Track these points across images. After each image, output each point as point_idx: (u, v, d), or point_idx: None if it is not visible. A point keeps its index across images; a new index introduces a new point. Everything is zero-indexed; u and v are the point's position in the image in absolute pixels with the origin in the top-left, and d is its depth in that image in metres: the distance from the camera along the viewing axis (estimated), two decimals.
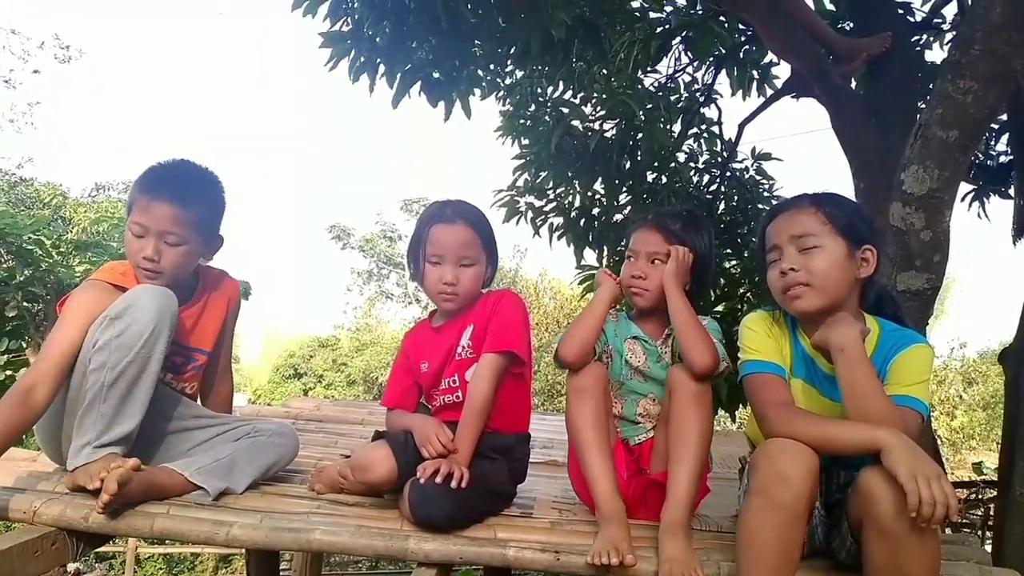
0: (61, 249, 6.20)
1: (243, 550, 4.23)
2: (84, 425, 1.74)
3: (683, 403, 1.73)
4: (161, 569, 10.73)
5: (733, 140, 5.12)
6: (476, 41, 4.54)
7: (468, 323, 1.95)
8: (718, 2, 4.23)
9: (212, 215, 2.02)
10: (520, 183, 5.41)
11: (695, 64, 5.17)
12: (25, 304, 5.40)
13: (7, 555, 1.56)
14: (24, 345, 5.41)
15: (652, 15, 4.89)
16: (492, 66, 4.94)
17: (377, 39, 4.25)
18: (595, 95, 5.02)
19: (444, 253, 1.92)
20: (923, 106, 3.10)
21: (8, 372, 4.99)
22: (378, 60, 4.29)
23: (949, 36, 4.38)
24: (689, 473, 1.67)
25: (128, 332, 1.73)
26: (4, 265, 5.62)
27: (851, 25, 4.48)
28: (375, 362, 15.04)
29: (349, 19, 4.23)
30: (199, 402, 2.16)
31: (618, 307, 2.00)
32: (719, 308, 4.85)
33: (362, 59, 4.26)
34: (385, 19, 4.13)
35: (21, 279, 5.51)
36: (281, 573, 3.49)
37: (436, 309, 2.06)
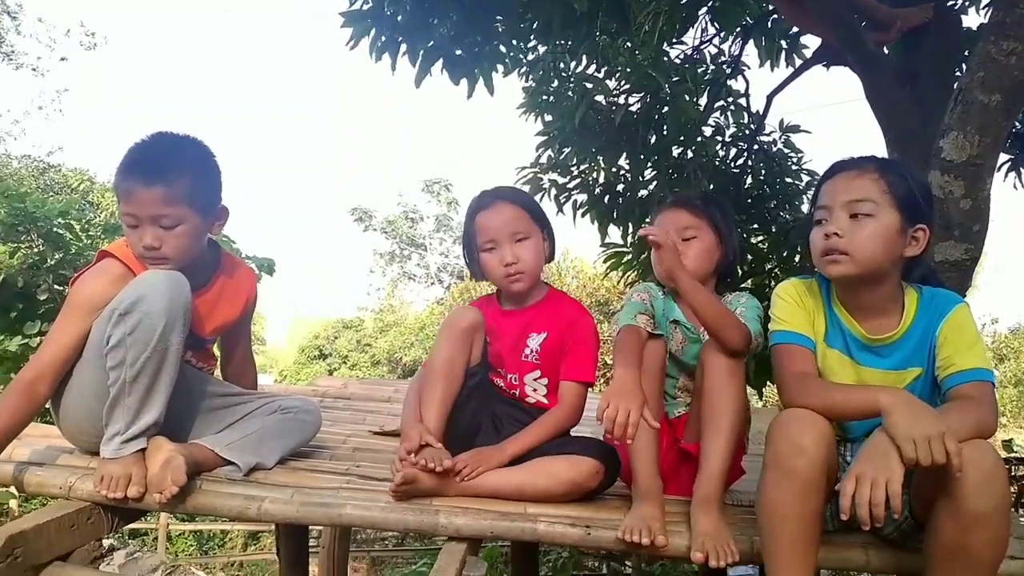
0: (90, 233, 6.27)
1: (272, 527, 4.29)
2: (113, 416, 1.73)
3: (716, 378, 1.71)
4: (192, 545, 10.95)
5: (761, 112, 5.02)
6: (498, 17, 4.49)
7: (540, 327, 1.93)
8: None
9: (203, 185, 1.86)
10: (543, 160, 5.36)
11: (722, 35, 5.06)
12: (56, 287, 5.47)
13: (45, 528, 1.58)
14: None
15: None
16: (514, 42, 4.89)
17: (398, 17, 4.22)
18: (619, 69, 4.94)
19: (496, 236, 1.90)
20: (960, 73, 3.00)
21: None
22: (399, 38, 4.26)
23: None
24: (722, 448, 1.65)
25: (141, 327, 1.67)
26: (35, 249, 5.70)
27: None
28: (399, 343, 15.14)
29: None
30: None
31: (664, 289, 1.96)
32: (747, 284, 4.78)
33: (383, 38, 4.23)
34: None
35: (52, 263, 5.58)
36: (309, 550, 3.52)
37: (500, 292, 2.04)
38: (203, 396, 2.02)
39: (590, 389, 1.96)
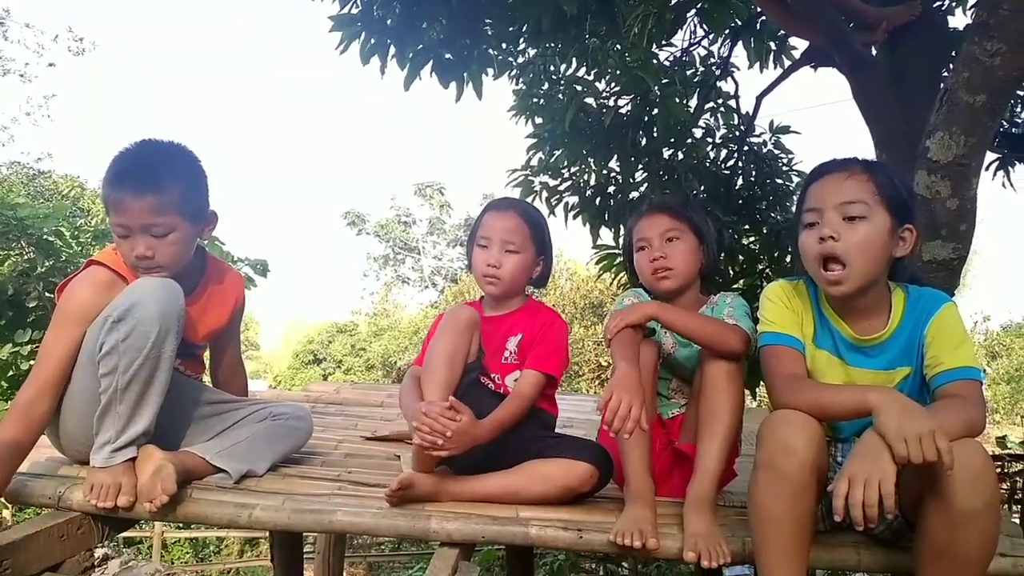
0: (80, 239, 6.26)
1: (267, 533, 4.28)
2: (103, 424, 1.72)
3: (714, 380, 1.73)
4: (188, 553, 10.91)
5: (751, 114, 5.03)
6: (487, 20, 4.49)
7: (518, 330, 1.97)
8: None
9: (191, 191, 1.85)
10: (534, 162, 5.36)
11: (711, 37, 5.07)
12: (47, 294, 5.45)
13: (34, 539, 1.58)
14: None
15: None
16: (504, 45, 4.89)
17: (387, 20, 4.21)
18: (609, 71, 4.95)
19: (491, 236, 1.96)
20: (947, 73, 3.02)
21: (32, 362, 5.06)
22: (388, 42, 4.26)
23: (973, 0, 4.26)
24: (718, 449, 1.67)
25: (134, 334, 1.67)
26: (25, 256, 5.68)
27: None
28: (393, 346, 15.12)
29: (358, 1, 4.20)
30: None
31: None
32: (738, 284, 4.79)
33: (372, 41, 4.23)
34: (395, 0, 4.09)
35: (42, 270, 5.57)
36: (305, 555, 3.51)
37: (484, 297, 2.07)
38: (193, 404, 2.02)
39: (557, 388, 2.00)
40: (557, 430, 2.02)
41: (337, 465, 2.10)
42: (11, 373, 5.10)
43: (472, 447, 1.70)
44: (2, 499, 1.77)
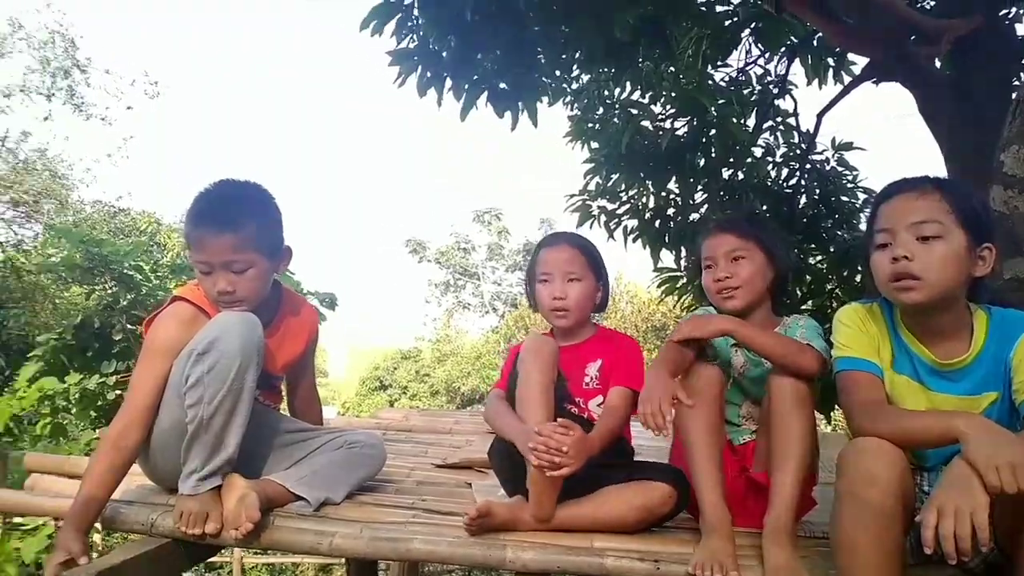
0: (159, 273, 6.56)
1: (342, 559, 4.35)
2: (190, 454, 1.80)
3: (784, 406, 1.69)
4: None
5: (811, 131, 4.96)
6: (540, 49, 4.57)
7: (596, 356, 1.99)
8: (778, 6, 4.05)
9: (268, 228, 1.94)
10: (592, 187, 5.40)
11: (767, 56, 5.04)
12: (129, 326, 5.72)
13: (130, 564, 1.66)
14: (131, 366, 5.74)
15: (719, 8, 4.80)
16: (557, 72, 4.96)
17: (443, 53, 4.33)
18: (664, 94, 4.97)
19: (552, 270, 2.00)
20: (1018, 83, 2.93)
21: (119, 392, 5.31)
22: (445, 74, 4.37)
23: None
24: (793, 478, 1.63)
25: (218, 367, 1.74)
26: (109, 290, 5.99)
27: (932, 3, 4.29)
28: (456, 372, 15.25)
29: (415, 36, 4.33)
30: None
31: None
32: (806, 306, 4.69)
33: (429, 74, 4.35)
34: (450, 34, 4.20)
35: (125, 303, 5.86)
36: None
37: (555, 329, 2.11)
38: (272, 433, 2.09)
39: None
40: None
41: (411, 493, 2.14)
42: (99, 403, 5.35)
43: (586, 460, 1.69)
44: (96, 524, 1.87)
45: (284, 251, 2.01)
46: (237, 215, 1.87)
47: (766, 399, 1.79)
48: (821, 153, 5.10)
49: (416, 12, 4.12)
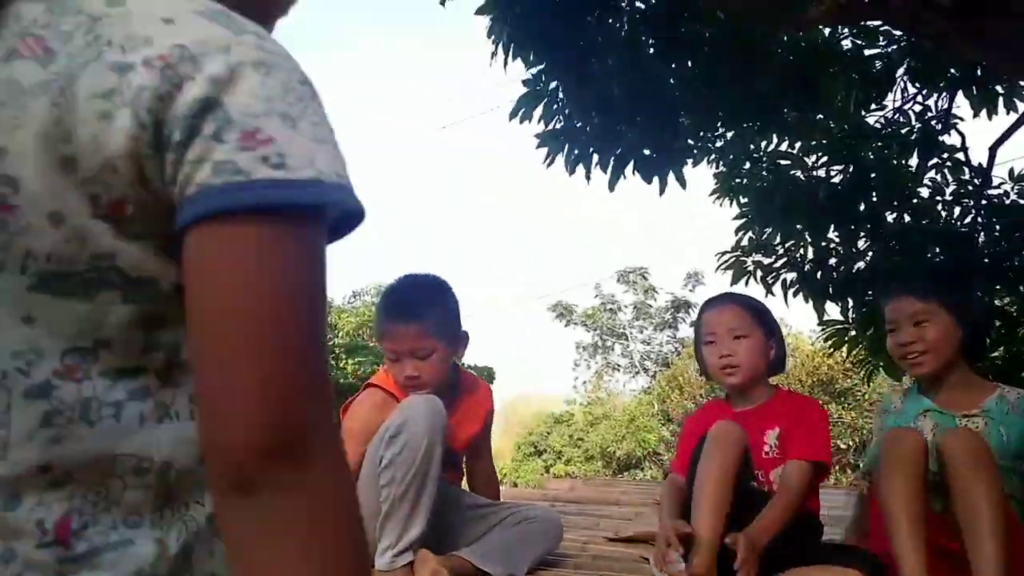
0: (333, 353, 7.10)
1: None
2: (385, 531, 1.94)
3: (960, 471, 1.59)
4: None
5: (984, 165, 4.61)
6: (682, 113, 4.62)
7: (775, 423, 1.95)
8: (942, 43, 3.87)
9: (448, 318, 2.15)
10: (744, 242, 5.28)
11: (924, 93, 4.79)
12: None
13: None
14: None
15: (867, 51, 4.65)
16: (701, 133, 4.97)
17: (587, 128, 4.49)
18: (814, 143, 4.83)
19: (716, 330, 2.01)
20: None
21: None
22: (591, 149, 4.52)
23: None
24: (992, 552, 1.51)
25: (408, 448, 1.90)
26: None
27: None
28: (610, 436, 15.00)
29: (560, 116, 4.53)
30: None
31: (910, 380, 1.91)
32: (996, 353, 4.28)
33: (576, 152, 4.51)
34: (593, 111, 4.36)
35: None
36: None
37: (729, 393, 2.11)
38: (455, 508, 2.21)
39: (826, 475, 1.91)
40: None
41: (588, 567, 2.16)
42: None
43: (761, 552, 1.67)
44: None
45: (462, 337, 2.19)
46: (420, 308, 2.08)
47: (940, 463, 1.69)
48: (998, 187, 4.71)
49: (561, 95, 4.32)
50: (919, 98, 4.86)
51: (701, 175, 5.58)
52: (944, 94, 4.76)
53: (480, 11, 4.05)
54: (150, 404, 0.56)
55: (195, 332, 0.51)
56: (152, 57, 0.51)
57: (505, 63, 4.12)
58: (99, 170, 0.51)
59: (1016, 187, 4.66)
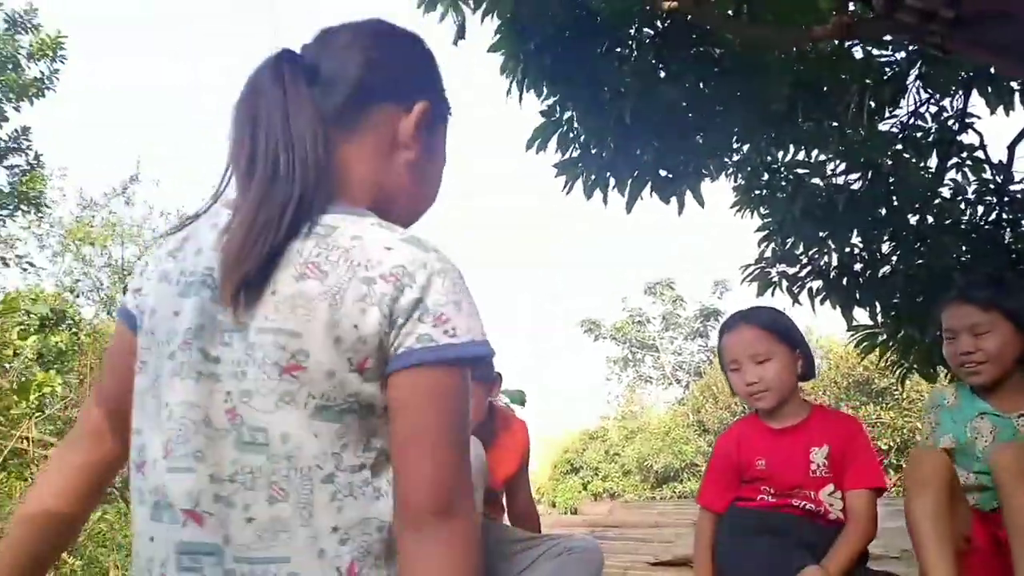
0: None
1: None
2: None
3: (1008, 486, 1.61)
4: None
5: (1005, 162, 4.60)
6: (698, 132, 4.67)
7: (821, 441, 1.94)
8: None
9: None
10: (768, 253, 5.30)
11: (937, 96, 4.79)
12: None
13: None
14: None
15: (878, 57, 4.67)
16: (717, 152, 5.01)
17: (603, 154, 4.56)
18: (830, 150, 4.86)
19: (737, 357, 1.99)
20: None
21: None
22: (607, 174, 4.58)
23: None
24: None
25: None
26: None
27: None
28: (647, 449, 14.91)
29: (576, 144, 4.61)
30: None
31: (956, 384, 1.94)
32: None
33: (592, 177, 4.58)
34: (608, 137, 4.43)
35: None
36: None
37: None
38: (497, 543, 2.26)
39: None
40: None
41: None
42: None
43: None
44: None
45: (495, 379, 2.27)
46: None
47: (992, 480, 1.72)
48: (1020, 183, 4.69)
49: (576, 124, 4.41)
50: (934, 99, 4.86)
51: (720, 185, 5.60)
52: (959, 94, 4.75)
53: (492, 48, 4.16)
54: (373, 485, 0.88)
55: (398, 436, 0.86)
56: (386, 273, 0.86)
57: (520, 98, 4.21)
58: (355, 343, 0.85)
59: None
